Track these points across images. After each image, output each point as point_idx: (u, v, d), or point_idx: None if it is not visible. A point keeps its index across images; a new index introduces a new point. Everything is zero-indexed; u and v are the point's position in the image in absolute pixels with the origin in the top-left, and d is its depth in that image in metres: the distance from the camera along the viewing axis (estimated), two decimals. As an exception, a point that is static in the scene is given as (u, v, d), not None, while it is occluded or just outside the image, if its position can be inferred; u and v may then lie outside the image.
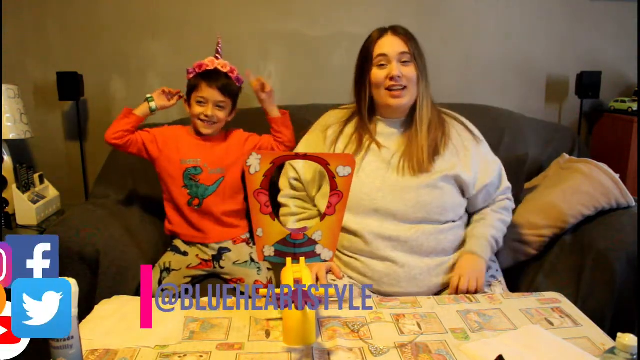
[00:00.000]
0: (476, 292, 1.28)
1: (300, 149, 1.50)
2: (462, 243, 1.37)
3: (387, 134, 1.39)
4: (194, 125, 1.54)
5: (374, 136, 1.38)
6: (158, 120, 1.72)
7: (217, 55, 1.53)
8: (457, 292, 1.28)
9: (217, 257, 1.55)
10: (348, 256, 1.36)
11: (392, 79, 1.31)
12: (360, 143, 1.37)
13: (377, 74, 1.34)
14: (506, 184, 1.44)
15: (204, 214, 1.53)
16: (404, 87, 1.32)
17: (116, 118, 1.50)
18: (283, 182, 1.50)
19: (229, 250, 1.55)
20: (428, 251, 1.31)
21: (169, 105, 1.53)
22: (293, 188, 1.48)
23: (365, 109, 1.38)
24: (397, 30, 1.35)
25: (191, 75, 1.52)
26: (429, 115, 1.36)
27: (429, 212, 1.31)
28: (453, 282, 1.30)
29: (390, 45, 1.33)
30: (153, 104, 1.51)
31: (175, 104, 1.56)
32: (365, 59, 1.36)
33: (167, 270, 1.52)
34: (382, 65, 1.33)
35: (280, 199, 1.50)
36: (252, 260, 1.55)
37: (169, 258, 1.54)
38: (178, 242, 1.57)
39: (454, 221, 1.36)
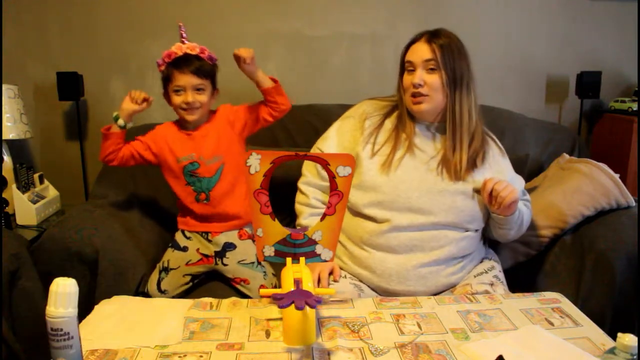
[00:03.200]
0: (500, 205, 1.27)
1: (332, 133, 1.47)
2: (474, 249, 1.38)
3: (424, 137, 1.39)
4: (179, 115, 1.48)
5: (413, 137, 1.38)
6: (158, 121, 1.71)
7: (182, 40, 1.47)
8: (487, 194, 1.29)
9: (221, 254, 1.50)
10: (362, 249, 1.34)
11: (414, 86, 1.32)
12: (399, 140, 1.37)
13: (406, 79, 1.37)
14: (528, 197, 1.46)
15: (215, 206, 1.48)
16: (427, 95, 1.32)
17: (101, 141, 1.46)
18: (308, 168, 1.48)
19: (234, 246, 1.50)
20: (447, 256, 1.31)
21: (139, 110, 1.45)
22: (320, 176, 1.45)
23: (404, 108, 1.39)
24: (431, 36, 1.34)
25: (162, 67, 1.46)
26: (471, 127, 1.36)
27: (460, 218, 1.32)
28: (486, 184, 1.29)
29: (416, 53, 1.34)
30: (121, 121, 1.43)
31: (147, 106, 1.46)
32: (402, 63, 1.39)
33: (166, 270, 1.49)
34: (410, 70, 1.35)
35: (301, 185, 1.47)
36: (259, 262, 1.50)
37: (167, 256, 1.51)
38: (179, 236, 1.54)
39: (476, 230, 1.37)
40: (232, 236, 1.51)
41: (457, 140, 1.34)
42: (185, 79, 1.42)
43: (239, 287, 1.50)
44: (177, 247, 1.52)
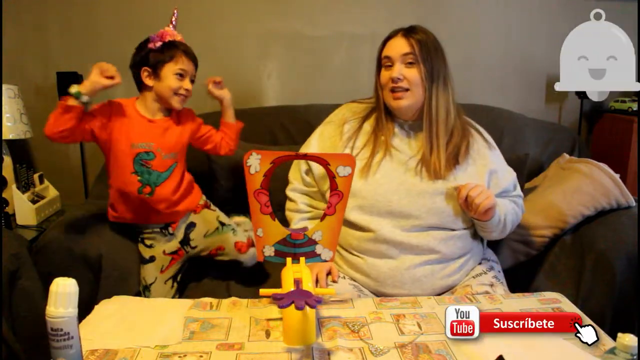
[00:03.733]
0: (476, 211, 1.25)
1: (314, 140, 1.47)
2: (470, 249, 1.37)
3: (403, 136, 1.38)
4: (167, 100, 1.38)
5: (391, 138, 1.37)
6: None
7: (173, 26, 1.41)
8: (463, 200, 1.26)
9: (185, 241, 1.46)
10: (354, 255, 1.34)
11: (393, 80, 1.32)
12: (377, 143, 1.36)
13: (383, 75, 1.36)
14: (519, 192, 1.43)
15: (155, 203, 1.39)
16: (407, 89, 1.32)
17: (54, 111, 1.30)
18: (294, 174, 1.48)
19: (194, 225, 1.45)
20: (440, 258, 1.31)
21: (109, 86, 1.29)
22: (304, 182, 1.45)
23: (382, 108, 1.38)
24: (408, 31, 1.33)
25: (158, 44, 1.35)
26: (448, 123, 1.34)
27: (442, 219, 1.31)
28: (460, 191, 1.27)
29: (394, 47, 1.33)
30: (85, 97, 1.27)
31: (115, 84, 1.30)
32: (378, 60, 1.38)
33: (147, 288, 1.43)
34: (388, 66, 1.34)
35: (289, 192, 1.47)
36: (222, 224, 1.46)
37: (142, 273, 1.44)
38: (141, 248, 1.45)
39: (465, 228, 1.35)
40: (188, 218, 1.47)
41: (433, 137, 1.33)
42: (190, 65, 1.39)
43: (218, 258, 1.47)
44: (144, 261, 1.45)
